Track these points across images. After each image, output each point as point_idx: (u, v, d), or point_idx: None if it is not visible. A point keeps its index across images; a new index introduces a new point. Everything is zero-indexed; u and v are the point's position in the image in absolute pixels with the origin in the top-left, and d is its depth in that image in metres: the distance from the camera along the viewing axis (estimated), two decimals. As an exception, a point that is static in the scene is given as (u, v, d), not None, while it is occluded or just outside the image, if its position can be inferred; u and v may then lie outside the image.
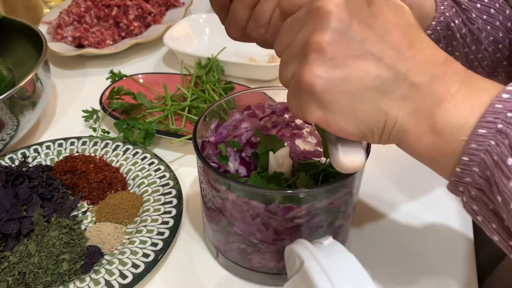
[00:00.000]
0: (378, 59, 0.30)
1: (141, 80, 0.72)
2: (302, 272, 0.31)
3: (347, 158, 0.33)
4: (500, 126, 0.27)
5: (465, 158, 0.28)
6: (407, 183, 0.57)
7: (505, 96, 0.28)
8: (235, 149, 0.49)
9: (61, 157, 0.59)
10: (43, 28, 0.85)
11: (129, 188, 0.55)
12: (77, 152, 0.60)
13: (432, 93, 0.30)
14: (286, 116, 0.51)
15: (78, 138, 0.62)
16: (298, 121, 0.51)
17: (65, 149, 0.60)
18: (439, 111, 0.30)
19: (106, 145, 0.61)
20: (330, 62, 0.30)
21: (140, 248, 0.47)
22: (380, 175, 0.58)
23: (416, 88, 0.30)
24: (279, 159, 0.45)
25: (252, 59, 0.78)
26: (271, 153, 0.45)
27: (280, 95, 0.50)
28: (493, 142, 0.27)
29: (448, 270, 0.47)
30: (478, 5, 0.50)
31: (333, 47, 0.30)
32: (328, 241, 0.33)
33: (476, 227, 0.52)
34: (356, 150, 0.33)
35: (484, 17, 0.50)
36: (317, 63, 0.30)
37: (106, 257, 0.48)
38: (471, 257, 0.48)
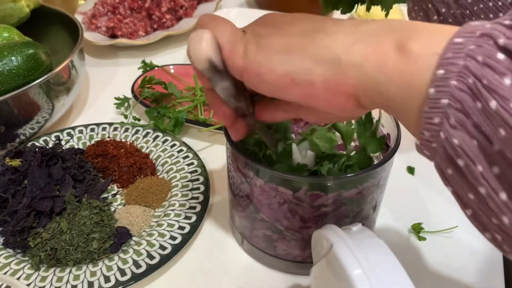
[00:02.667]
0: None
1: (172, 71, 0.73)
2: (331, 255, 0.31)
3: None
4: (479, 33, 0.23)
5: (440, 71, 0.23)
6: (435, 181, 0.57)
7: (474, 23, 0.24)
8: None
9: (93, 141, 0.61)
10: (78, 18, 0.87)
11: (158, 174, 0.56)
12: (108, 137, 0.61)
13: (387, 28, 0.27)
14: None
15: (110, 124, 0.63)
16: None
17: (97, 134, 0.62)
18: (401, 36, 0.26)
19: (137, 131, 0.62)
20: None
21: (168, 231, 0.48)
22: (408, 174, 0.58)
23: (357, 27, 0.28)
24: (302, 151, 0.45)
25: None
26: (294, 145, 0.45)
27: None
28: (473, 47, 0.23)
29: (474, 276, 0.46)
30: None
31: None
32: (357, 227, 0.33)
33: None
34: None
35: None
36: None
37: (134, 238, 0.49)
38: (499, 261, 0.48)
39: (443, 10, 0.49)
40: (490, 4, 0.46)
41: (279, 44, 0.30)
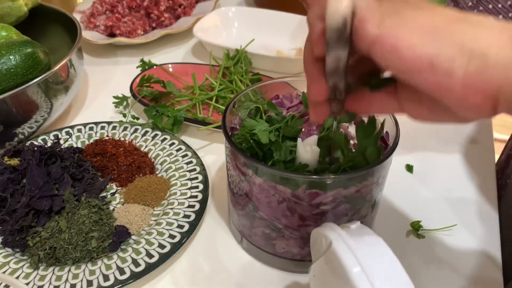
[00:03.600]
0: None
1: (170, 69, 0.73)
2: (329, 253, 0.31)
3: None
4: None
5: None
6: (434, 179, 0.57)
7: None
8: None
9: (91, 140, 0.61)
10: (76, 17, 0.87)
11: (157, 172, 0.56)
12: (107, 136, 0.61)
13: None
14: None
15: (109, 123, 0.63)
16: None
17: (96, 132, 0.62)
18: None
19: (136, 130, 0.62)
20: None
21: (167, 229, 0.48)
22: (406, 172, 0.58)
23: None
24: (306, 146, 0.45)
25: (279, 52, 0.78)
26: (299, 140, 0.45)
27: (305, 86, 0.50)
28: None
29: (473, 274, 0.46)
30: None
31: None
32: (356, 225, 0.33)
33: (502, 227, 0.51)
34: None
35: None
36: None
37: (133, 237, 0.49)
38: (497, 259, 0.48)
39: None
40: (490, 6, 0.46)
41: (424, 21, 0.27)
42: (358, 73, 0.34)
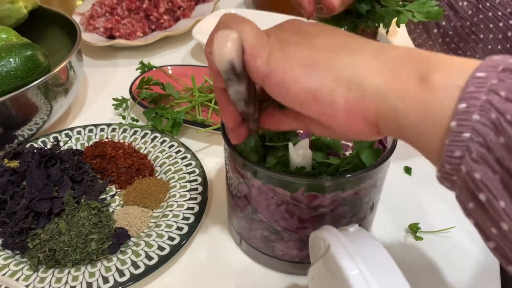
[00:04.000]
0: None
1: (170, 72, 0.73)
2: (328, 256, 0.31)
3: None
4: (501, 67, 0.23)
5: (462, 105, 0.23)
6: (432, 181, 0.57)
7: (496, 57, 0.24)
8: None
9: (91, 142, 0.61)
10: (76, 19, 0.87)
11: (156, 175, 0.57)
12: (106, 138, 0.62)
13: (409, 56, 0.27)
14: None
15: (108, 125, 0.63)
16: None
17: (95, 135, 0.62)
18: (423, 66, 0.26)
19: (135, 132, 0.62)
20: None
21: (166, 231, 0.48)
22: (405, 174, 0.59)
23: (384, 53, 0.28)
24: (298, 150, 0.45)
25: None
26: (290, 144, 0.45)
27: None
28: (495, 81, 0.23)
29: (471, 276, 0.47)
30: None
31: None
32: (354, 228, 0.33)
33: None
34: None
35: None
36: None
37: (133, 239, 0.49)
38: (495, 262, 0.48)
39: (443, 23, 0.49)
40: (490, 14, 0.46)
41: (304, 56, 0.29)
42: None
